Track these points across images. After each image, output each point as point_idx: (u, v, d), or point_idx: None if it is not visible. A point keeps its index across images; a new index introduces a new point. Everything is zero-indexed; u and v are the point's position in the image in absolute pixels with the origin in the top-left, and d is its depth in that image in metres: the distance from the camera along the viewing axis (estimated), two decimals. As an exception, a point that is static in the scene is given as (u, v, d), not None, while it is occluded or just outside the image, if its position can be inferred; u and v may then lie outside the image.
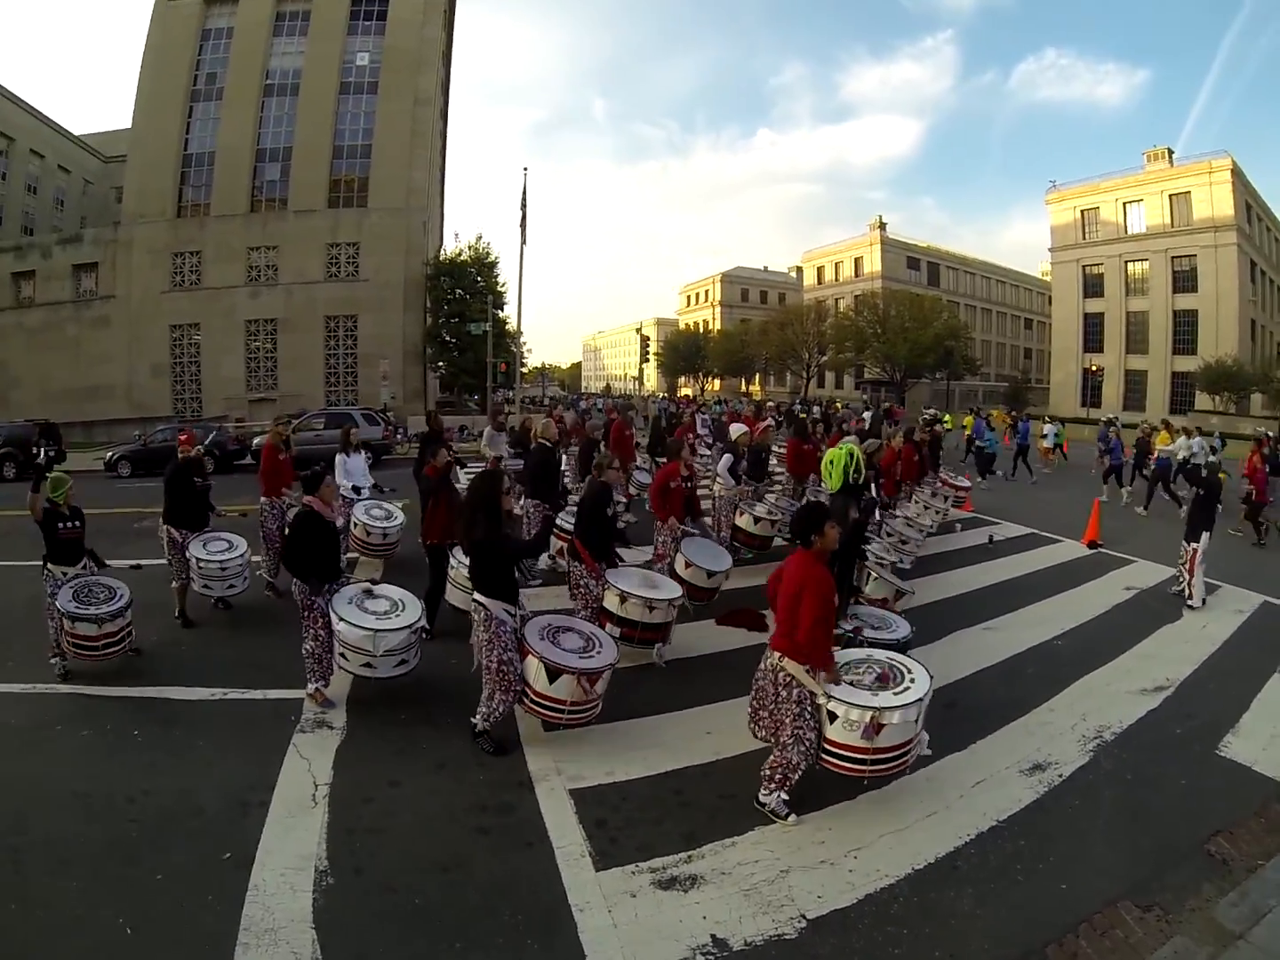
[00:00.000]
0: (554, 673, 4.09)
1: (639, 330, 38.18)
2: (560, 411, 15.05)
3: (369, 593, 4.87)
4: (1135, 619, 7.27)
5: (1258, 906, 3.42)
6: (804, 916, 3.16)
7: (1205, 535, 7.38)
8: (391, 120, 32.51)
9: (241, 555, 6.36)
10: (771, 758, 3.83)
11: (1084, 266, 45.30)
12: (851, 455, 6.04)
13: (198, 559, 6.17)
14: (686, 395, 60.24)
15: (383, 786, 4.01)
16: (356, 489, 7.90)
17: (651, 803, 3.98)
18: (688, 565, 6.33)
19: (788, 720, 3.74)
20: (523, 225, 26.26)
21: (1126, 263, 43.17)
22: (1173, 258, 41.06)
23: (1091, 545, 10.10)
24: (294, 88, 32.80)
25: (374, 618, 4.63)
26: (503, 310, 29.86)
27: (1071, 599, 7.86)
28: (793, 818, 3.81)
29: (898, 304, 46.11)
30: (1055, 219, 47.02)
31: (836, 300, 60.06)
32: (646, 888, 3.33)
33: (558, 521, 7.26)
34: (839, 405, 37.78)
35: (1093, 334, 45.00)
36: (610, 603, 5.32)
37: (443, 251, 35.74)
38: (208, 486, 6.65)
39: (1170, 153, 42.23)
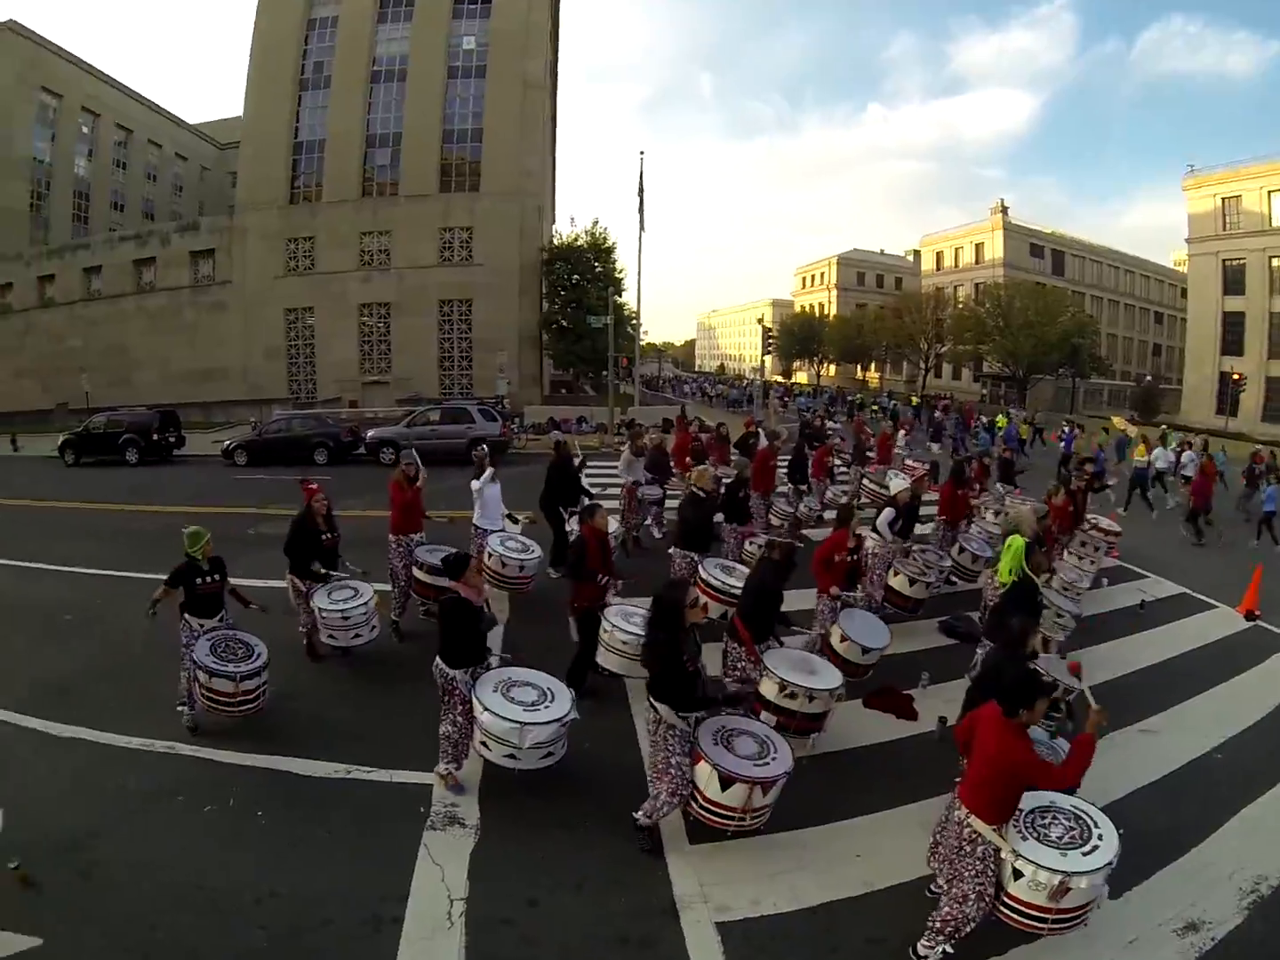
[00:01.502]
0: (727, 780, 3.92)
1: (760, 321, 37.29)
2: (696, 430, 13.56)
3: (512, 682, 4.68)
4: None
5: None
6: None
7: None
8: (500, 104, 32.63)
9: (366, 603, 6.20)
10: (945, 910, 3.54)
11: (1224, 260, 40.74)
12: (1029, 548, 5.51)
13: (320, 609, 6.07)
14: (798, 382, 59.36)
15: (521, 905, 3.87)
16: (478, 527, 7.70)
17: (800, 943, 3.76)
18: (843, 639, 6.01)
19: (968, 875, 3.48)
20: (640, 212, 25.97)
21: (1271, 258, 38.60)
22: (1324, 254, 36.65)
23: (1249, 616, 9.05)
24: (401, 73, 33.27)
25: (521, 708, 4.41)
26: (620, 295, 29.39)
27: (1231, 694, 7.01)
28: None
29: (1021, 295, 43.36)
30: (1192, 207, 42.40)
31: (956, 287, 57.37)
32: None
33: (700, 574, 6.96)
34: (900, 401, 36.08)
35: (1232, 335, 40.56)
36: (768, 690, 5.04)
37: (557, 235, 35.76)
38: (336, 538, 6.56)
39: (1322, 133, 37.52)
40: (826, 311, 69.11)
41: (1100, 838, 3.51)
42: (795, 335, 64.09)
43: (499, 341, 31.61)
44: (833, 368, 65.77)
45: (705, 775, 3.96)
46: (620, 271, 33.04)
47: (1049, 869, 3.33)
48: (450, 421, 18.75)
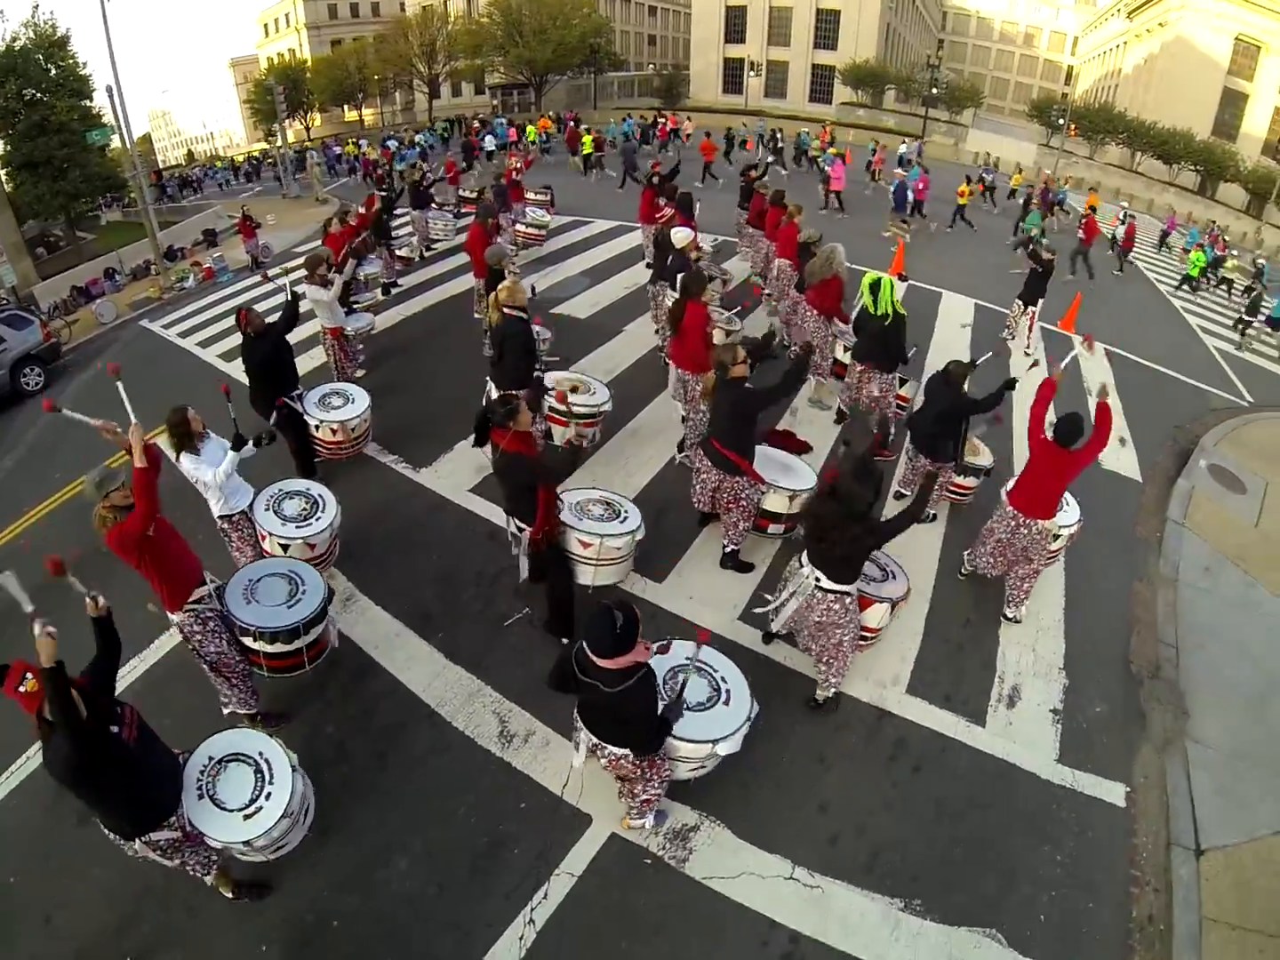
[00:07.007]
0: (898, 604, 4.37)
1: (263, 77, 30.11)
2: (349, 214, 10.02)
3: None
4: (994, 367, 7.91)
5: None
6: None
7: (1041, 301, 9.22)
8: None
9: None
10: (1027, 584, 4.88)
11: (730, -40, 44.09)
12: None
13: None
14: (304, 145, 51.00)
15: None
16: (231, 515, 4.81)
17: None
18: None
19: (1043, 554, 4.77)
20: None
21: (774, -40, 42.99)
22: (822, -38, 41.74)
23: (901, 278, 11.00)
24: None
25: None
26: (91, 100, 21.61)
27: (945, 349, 8.73)
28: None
29: (529, 2, 41.65)
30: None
31: (445, 2, 52.15)
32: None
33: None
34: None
35: (734, 26, 45.41)
36: (777, 505, 5.14)
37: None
38: None
39: None
40: (298, 57, 59.73)
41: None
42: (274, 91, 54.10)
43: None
44: (319, 117, 58.69)
45: (880, 614, 4.24)
46: (83, 68, 25.21)
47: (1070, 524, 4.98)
48: None
